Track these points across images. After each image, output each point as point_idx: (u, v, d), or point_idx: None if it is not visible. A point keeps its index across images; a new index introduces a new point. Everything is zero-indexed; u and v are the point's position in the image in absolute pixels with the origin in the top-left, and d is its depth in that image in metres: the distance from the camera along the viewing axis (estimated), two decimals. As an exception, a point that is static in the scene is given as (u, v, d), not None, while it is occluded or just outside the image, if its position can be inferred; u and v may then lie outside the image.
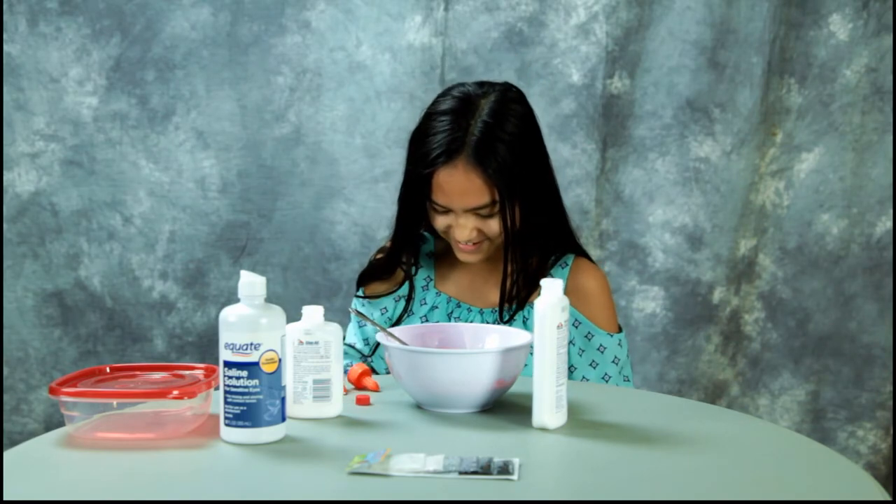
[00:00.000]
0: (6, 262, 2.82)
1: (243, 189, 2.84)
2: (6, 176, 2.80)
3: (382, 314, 1.91)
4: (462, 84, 1.85)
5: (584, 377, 1.85)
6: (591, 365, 1.86)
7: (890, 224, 2.83)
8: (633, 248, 2.85)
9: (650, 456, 1.34)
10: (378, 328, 1.56)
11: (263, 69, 2.81)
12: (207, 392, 1.41)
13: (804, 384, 2.89)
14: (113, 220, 2.84)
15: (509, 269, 1.84)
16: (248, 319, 1.35)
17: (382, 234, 2.73)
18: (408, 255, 1.93)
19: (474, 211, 1.78)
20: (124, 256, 2.84)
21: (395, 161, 2.75)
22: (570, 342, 1.85)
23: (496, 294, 1.88)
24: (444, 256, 1.94)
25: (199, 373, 1.50)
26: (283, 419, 1.38)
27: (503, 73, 2.76)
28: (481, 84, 1.84)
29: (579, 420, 1.47)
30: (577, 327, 1.86)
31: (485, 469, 1.25)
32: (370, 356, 1.91)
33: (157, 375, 1.50)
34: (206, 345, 2.85)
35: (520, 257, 1.84)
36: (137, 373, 1.51)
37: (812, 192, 2.83)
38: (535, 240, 1.85)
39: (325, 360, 1.47)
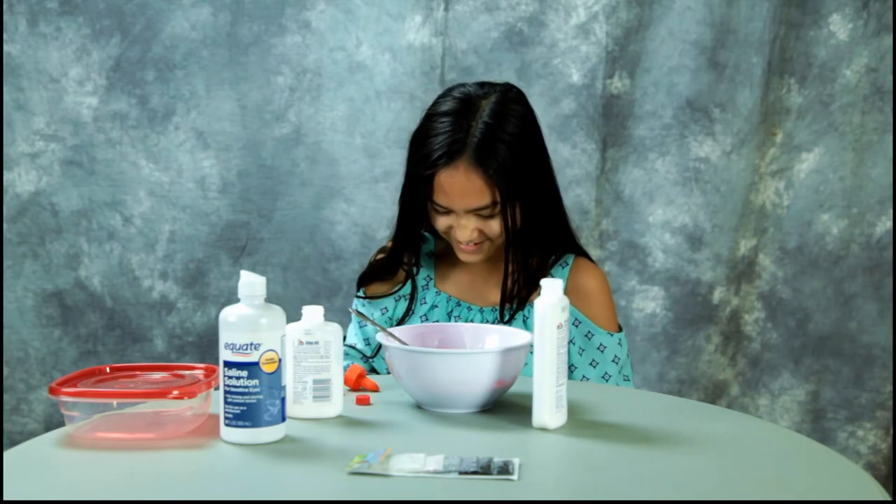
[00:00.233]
0: (6, 262, 2.82)
1: (243, 189, 2.84)
2: (6, 176, 2.80)
3: (383, 314, 1.91)
4: (462, 85, 1.85)
5: (584, 376, 1.85)
6: (591, 364, 1.86)
7: (890, 224, 2.83)
8: (633, 248, 2.85)
9: (650, 456, 1.34)
10: (378, 328, 1.56)
11: (263, 69, 2.81)
12: (207, 392, 1.41)
13: (804, 384, 2.89)
14: (113, 220, 2.84)
15: (510, 268, 1.84)
16: (248, 319, 1.35)
17: (382, 234, 2.73)
18: (409, 255, 1.93)
19: (475, 211, 1.79)
20: (124, 256, 2.84)
21: (395, 161, 2.75)
22: (571, 341, 1.85)
23: (496, 293, 1.88)
24: (444, 256, 1.94)
25: (199, 373, 1.50)
26: (283, 419, 1.38)
27: (503, 74, 2.76)
28: (482, 85, 1.84)
29: (579, 420, 1.47)
30: (577, 326, 1.86)
31: (485, 469, 1.25)
32: (372, 357, 1.91)
33: (157, 375, 1.50)
34: (206, 345, 2.85)
35: (520, 257, 1.84)
36: (137, 373, 1.51)
37: (812, 192, 2.83)
38: (536, 240, 1.85)
39: (325, 360, 1.47)
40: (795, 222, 2.85)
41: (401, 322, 1.90)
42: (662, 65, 2.79)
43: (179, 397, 1.38)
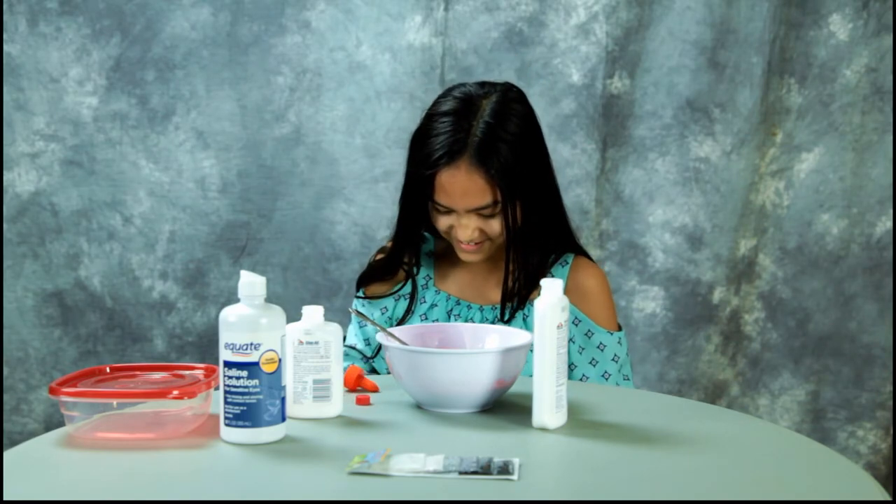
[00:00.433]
0: (6, 262, 2.82)
1: (243, 189, 2.84)
2: (6, 176, 2.80)
3: (383, 314, 1.91)
4: (463, 84, 1.85)
5: (583, 375, 1.85)
6: (590, 363, 1.86)
7: (890, 224, 2.83)
8: (633, 248, 2.85)
9: (650, 456, 1.34)
10: (378, 328, 1.56)
11: (263, 69, 2.81)
12: (207, 392, 1.41)
13: (804, 384, 2.89)
14: (113, 220, 2.84)
15: (510, 267, 1.84)
16: (248, 319, 1.35)
17: (382, 234, 2.73)
18: (409, 255, 1.93)
19: (477, 211, 1.79)
20: (124, 256, 2.84)
21: (395, 161, 2.75)
22: (570, 340, 1.85)
23: (496, 292, 1.88)
24: (443, 256, 1.95)
25: (199, 373, 1.50)
26: (283, 419, 1.37)
27: (503, 73, 2.76)
28: (482, 84, 1.84)
29: (579, 420, 1.47)
30: (577, 325, 1.86)
31: (485, 469, 1.25)
32: (372, 357, 1.91)
33: (157, 375, 1.50)
34: (206, 345, 2.85)
35: (521, 256, 1.84)
36: (137, 373, 1.51)
37: (812, 192, 2.83)
38: (536, 238, 1.85)
39: (325, 360, 1.47)
40: (795, 222, 2.85)
41: (401, 322, 1.90)
42: (662, 65, 2.79)
43: (179, 397, 1.38)
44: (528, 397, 1.44)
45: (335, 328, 1.49)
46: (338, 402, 1.49)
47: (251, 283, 1.36)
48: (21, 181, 2.81)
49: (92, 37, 2.79)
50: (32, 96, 2.79)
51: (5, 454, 1.33)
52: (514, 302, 1.86)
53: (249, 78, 2.81)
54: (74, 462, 1.32)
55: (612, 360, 1.87)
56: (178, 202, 2.84)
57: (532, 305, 1.68)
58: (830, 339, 2.88)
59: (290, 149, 2.84)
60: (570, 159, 2.80)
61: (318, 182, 2.84)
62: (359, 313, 1.65)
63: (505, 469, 1.25)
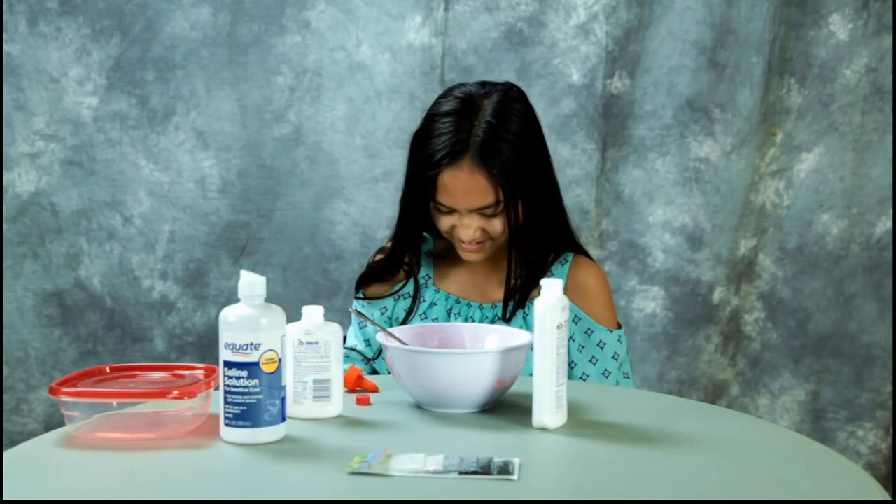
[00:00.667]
0: (6, 262, 2.82)
1: (243, 189, 2.84)
2: (6, 176, 2.80)
3: (382, 314, 1.91)
4: (463, 84, 1.85)
5: (583, 373, 1.85)
6: (590, 361, 1.86)
7: (890, 224, 2.83)
8: (633, 248, 2.85)
9: (650, 456, 1.34)
10: (378, 328, 1.56)
11: (263, 69, 2.81)
12: (207, 392, 1.41)
13: (804, 384, 2.89)
14: (113, 220, 2.84)
15: (512, 266, 1.84)
16: (248, 319, 1.35)
17: (382, 234, 2.73)
18: (410, 255, 1.93)
19: (479, 211, 1.79)
20: (124, 256, 2.84)
21: (395, 161, 2.75)
22: (570, 338, 1.85)
23: (496, 291, 1.89)
24: (443, 255, 1.95)
25: (199, 373, 1.50)
26: (283, 419, 1.38)
27: (503, 74, 2.76)
28: (483, 84, 1.84)
29: (579, 420, 1.47)
30: (576, 323, 1.86)
31: (485, 469, 1.25)
32: (373, 358, 1.91)
33: (157, 375, 1.50)
34: (206, 345, 2.85)
35: (522, 255, 1.84)
36: (137, 373, 1.51)
37: (812, 192, 2.83)
38: (537, 238, 1.86)
39: (325, 360, 1.47)
40: (795, 222, 2.85)
41: (404, 321, 1.90)
42: (662, 65, 2.79)
43: (179, 397, 1.38)
44: (528, 397, 1.44)
45: (335, 328, 1.49)
46: (338, 402, 1.49)
47: (251, 283, 1.36)
48: (21, 181, 2.81)
49: (92, 37, 2.78)
50: (32, 96, 2.79)
51: (5, 454, 1.33)
52: (515, 300, 1.86)
53: (249, 78, 2.81)
54: (74, 462, 1.32)
55: (612, 357, 1.87)
56: (178, 202, 2.84)
57: (532, 304, 1.68)
58: (830, 339, 2.88)
59: (290, 149, 2.84)
60: (570, 159, 2.80)
61: (318, 182, 2.84)
62: (359, 313, 1.65)
63: (505, 469, 1.25)
